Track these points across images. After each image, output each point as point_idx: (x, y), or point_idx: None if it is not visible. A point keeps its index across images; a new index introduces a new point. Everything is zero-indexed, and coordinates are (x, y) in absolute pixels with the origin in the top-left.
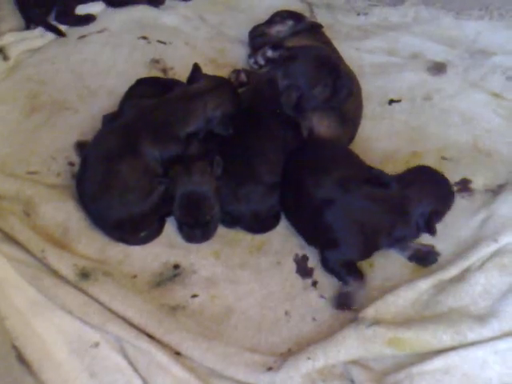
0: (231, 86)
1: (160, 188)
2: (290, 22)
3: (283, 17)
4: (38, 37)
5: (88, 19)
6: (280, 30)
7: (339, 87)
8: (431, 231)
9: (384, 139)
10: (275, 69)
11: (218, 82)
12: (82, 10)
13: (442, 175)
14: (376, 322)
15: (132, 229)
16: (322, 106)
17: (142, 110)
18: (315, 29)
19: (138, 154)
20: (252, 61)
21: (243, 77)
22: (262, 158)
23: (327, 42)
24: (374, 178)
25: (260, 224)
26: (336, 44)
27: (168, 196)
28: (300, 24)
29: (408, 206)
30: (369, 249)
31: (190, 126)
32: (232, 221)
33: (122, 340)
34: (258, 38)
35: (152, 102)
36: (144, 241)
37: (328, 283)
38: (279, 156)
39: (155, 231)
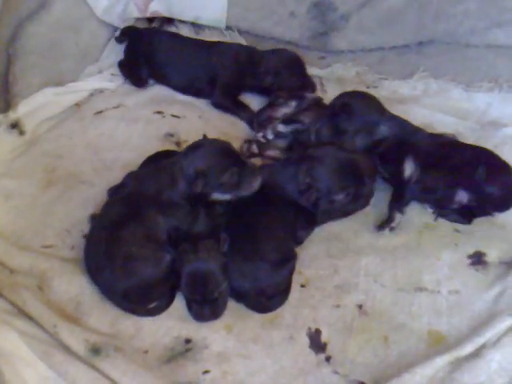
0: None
1: (166, 257)
2: (293, 103)
3: (286, 98)
4: (53, 103)
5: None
6: (285, 112)
7: (360, 196)
8: None
9: None
10: (296, 162)
11: (201, 142)
12: (94, 83)
13: None
14: None
15: (140, 299)
16: (339, 209)
17: (139, 179)
18: (319, 102)
19: (141, 220)
20: (260, 135)
21: (255, 148)
22: (268, 236)
23: None
24: None
25: (264, 303)
26: None
27: (176, 269)
28: (303, 102)
29: None
30: None
31: (179, 187)
32: (237, 297)
33: None
34: (264, 121)
35: (146, 170)
36: (154, 312)
37: (342, 358)
38: (287, 236)
39: (165, 303)
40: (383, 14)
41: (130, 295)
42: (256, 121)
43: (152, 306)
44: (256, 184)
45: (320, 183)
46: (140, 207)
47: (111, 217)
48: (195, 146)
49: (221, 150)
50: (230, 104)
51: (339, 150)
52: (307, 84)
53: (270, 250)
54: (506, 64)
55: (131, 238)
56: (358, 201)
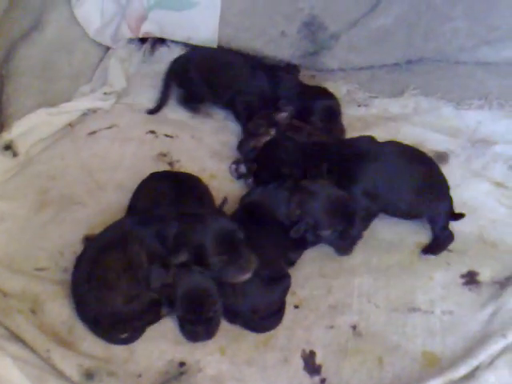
0: None
1: (146, 294)
2: (273, 131)
3: (265, 127)
4: (46, 124)
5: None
6: (267, 140)
7: (347, 236)
8: None
9: (389, 232)
10: (289, 190)
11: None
12: (87, 103)
13: None
14: None
15: (110, 328)
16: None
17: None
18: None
19: (125, 251)
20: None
21: (243, 168)
22: (258, 253)
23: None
24: None
25: (260, 322)
26: None
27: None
28: (279, 126)
29: None
30: None
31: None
32: (232, 316)
33: None
34: (250, 152)
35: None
36: (125, 342)
37: (337, 381)
38: (277, 255)
39: (135, 336)
40: (373, 34)
41: (100, 323)
42: (241, 152)
43: (123, 336)
44: (243, 277)
45: (310, 217)
46: (126, 238)
47: (100, 242)
48: (202, 218)
49: (221, 232)
50: (247, 116)
51: (334, 187)
52: (334, 131)
53: (260, 266)
54: (495, 81)
55: (113, 267)
56: (344, 240)
